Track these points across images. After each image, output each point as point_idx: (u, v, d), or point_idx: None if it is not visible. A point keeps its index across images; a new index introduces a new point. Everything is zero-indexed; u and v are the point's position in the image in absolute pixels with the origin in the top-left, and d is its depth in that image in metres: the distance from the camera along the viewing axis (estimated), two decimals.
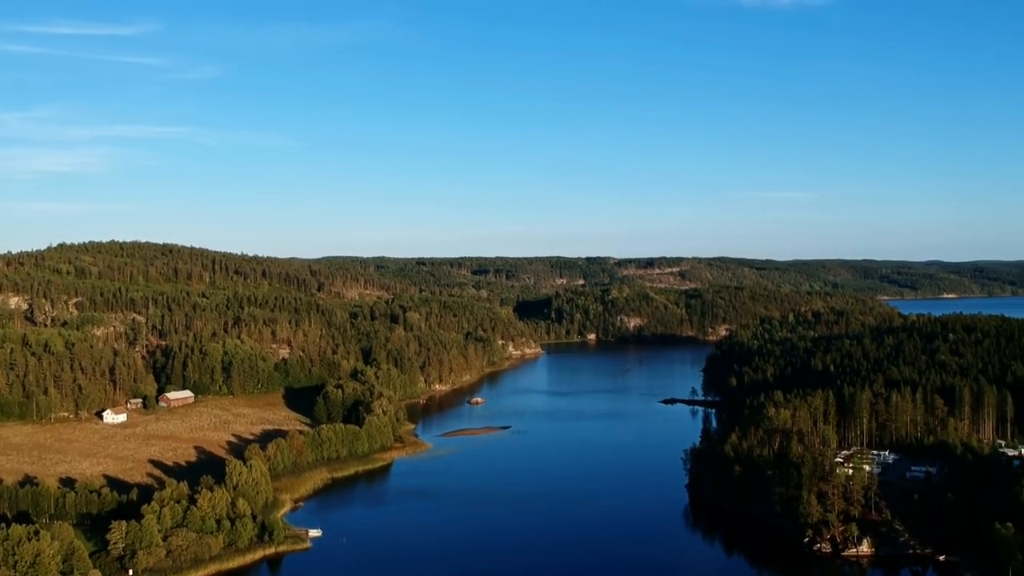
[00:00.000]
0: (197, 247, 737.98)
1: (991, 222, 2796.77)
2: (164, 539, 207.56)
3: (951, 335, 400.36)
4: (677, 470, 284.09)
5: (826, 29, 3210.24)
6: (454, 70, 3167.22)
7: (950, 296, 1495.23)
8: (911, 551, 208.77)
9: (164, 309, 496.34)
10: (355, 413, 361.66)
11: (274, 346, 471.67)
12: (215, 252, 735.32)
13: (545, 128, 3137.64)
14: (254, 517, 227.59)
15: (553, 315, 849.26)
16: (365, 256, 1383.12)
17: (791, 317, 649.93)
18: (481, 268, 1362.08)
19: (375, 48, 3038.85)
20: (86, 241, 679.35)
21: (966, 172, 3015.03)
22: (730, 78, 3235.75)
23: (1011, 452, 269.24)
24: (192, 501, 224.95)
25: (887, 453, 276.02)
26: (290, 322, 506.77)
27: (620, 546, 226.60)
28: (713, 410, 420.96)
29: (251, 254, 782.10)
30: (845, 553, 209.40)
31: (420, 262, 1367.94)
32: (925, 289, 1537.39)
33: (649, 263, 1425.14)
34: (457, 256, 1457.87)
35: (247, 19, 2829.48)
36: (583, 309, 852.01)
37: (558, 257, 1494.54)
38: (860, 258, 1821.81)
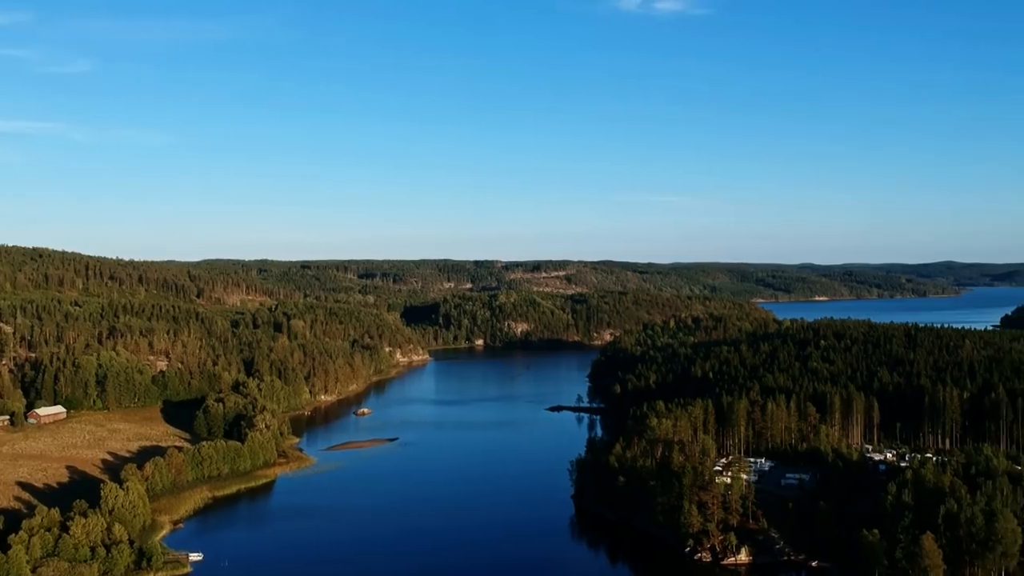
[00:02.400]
0: (69, 251, 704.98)
1: (859, 227, 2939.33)
2: (33, 570, 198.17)
3: (822, 342, 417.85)
4: (563, 480, 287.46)
5: (708, 36, 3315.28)
6: (338, 69, 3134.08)
7: (821, 299, 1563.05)
8: (786, 558, 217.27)
9: (33, 319, 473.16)
10: (237, 428, 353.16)
11: (151, 358, 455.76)
12: (88, 256, 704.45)
13: (433, 129, 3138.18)
14: (131, 543, 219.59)
15: (441, 321, 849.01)
16: (247, 259, 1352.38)
17: (672, 323, 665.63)
18: (368, 272, 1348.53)
19: (257, 45, 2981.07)
20: None
21: (835, 179, 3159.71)
22: (613, 82, 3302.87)
23: (877, 457, 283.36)
24: (64, 528, 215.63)
25: (763, 461, 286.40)
26: (168, 332, 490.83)
27: (507, 559, 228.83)
28: (598, 417, 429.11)
29: (127, 258, 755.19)
30: (724, 562, 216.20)
31: (304, 265, 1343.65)
32: (798, 292, 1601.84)
33: (536, 267, 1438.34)
34: (343, 259, 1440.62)
35: (122, 12, 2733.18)
36: (471, 315, 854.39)
37: (446, 260, 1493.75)
38: (737, 261, 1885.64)
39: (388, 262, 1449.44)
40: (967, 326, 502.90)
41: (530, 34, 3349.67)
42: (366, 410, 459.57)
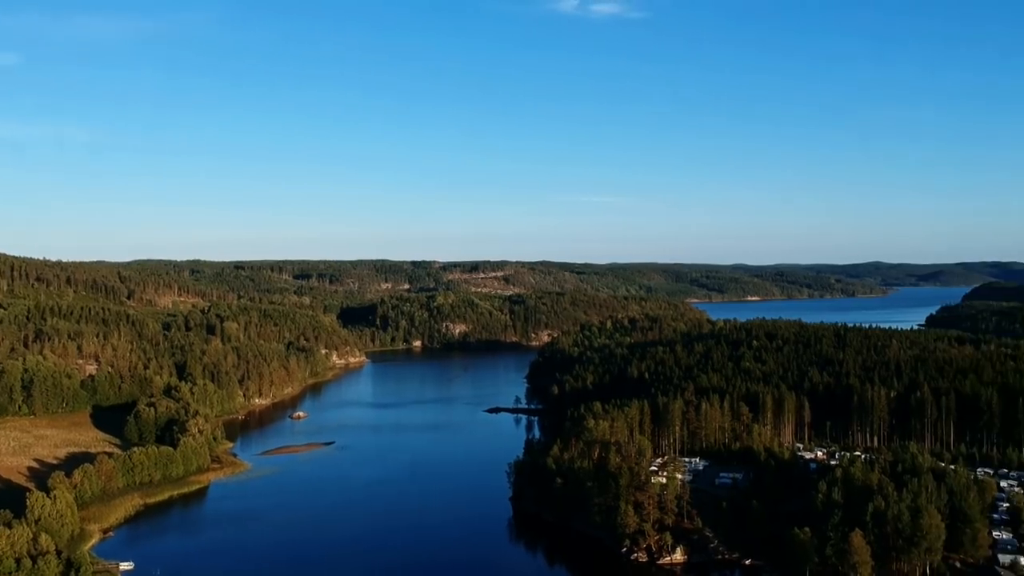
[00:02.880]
0: None
1: (791, 229, 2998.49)
2: None
3: (755, 342, 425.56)
4: (501, 482, 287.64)
5: (644, 38, 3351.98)
6: (270, 67, 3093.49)
7: (754, 299, 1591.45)
8: (720, 557, 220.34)
9: None
10: (169, 433, 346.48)
11: (80, 362, 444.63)
12: (13, 257, 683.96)
13: (368, 127, 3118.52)
14: (59, 553, 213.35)
15: (378, 322, 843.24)
16: (179, 259, 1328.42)
17: (609, 324, 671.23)
18: (303, 272, 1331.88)
19: (188, 42, 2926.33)
20: None
21: (767, 180, 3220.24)
22: (549, 83, 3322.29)
23: (808, 455, 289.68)
24: None
25: (698, 460, 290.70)
26: (98, 335, 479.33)
27: (445, 561, 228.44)
28: (536, 418, 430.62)
29: (54, 259, 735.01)
30: (660, 562, 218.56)
31: (238, 266, 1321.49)
32: (731, 292, 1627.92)
33: (474, 267, 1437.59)
34: (278, 259, 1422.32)
35: (50, 6, 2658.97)
36: (409, 316, 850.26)
37: (383, 261, 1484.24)
38: (672, 262, 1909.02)
39: (324, 262, 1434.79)
40: (894, 326, 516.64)
41: (467, 34, 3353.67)
42: (302, 414, 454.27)
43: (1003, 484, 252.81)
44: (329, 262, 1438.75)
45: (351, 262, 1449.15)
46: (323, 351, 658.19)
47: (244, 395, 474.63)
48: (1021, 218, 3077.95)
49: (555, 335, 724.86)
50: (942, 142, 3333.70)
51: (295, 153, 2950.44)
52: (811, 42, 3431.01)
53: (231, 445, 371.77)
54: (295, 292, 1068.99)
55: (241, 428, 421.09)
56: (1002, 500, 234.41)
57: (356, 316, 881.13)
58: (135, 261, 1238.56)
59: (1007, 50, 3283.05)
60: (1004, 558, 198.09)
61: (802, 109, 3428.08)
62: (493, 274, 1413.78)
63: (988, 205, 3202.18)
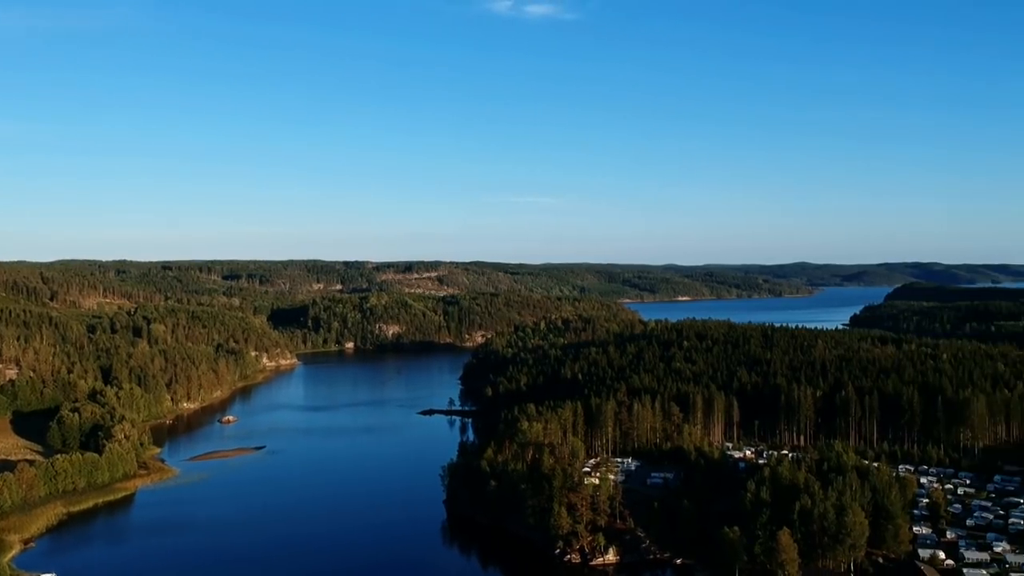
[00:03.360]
0: None
1: (719, 230, 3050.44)
2: None
3: (685, 342, 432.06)
4: (435, 485, 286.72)
5: (577, 39, 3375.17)
6: (203, 65, 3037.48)
7: (684, 299, 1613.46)
8: (652, 556, 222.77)
9: None
10: (94, 439, 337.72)
11: (0, 366, 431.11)
12: None
13: (300, 126, 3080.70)
14: None
15: (310, 323, 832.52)
16: (104, 260, 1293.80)
17: (543, 324, 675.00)
18: (233, 273, 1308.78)
19: (118, 38, 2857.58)
20: None
21: (696, 181, 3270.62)
22: (482, 83, 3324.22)
23: (737, 455, 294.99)
24: None
25: (630, 460, 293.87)
26: (18, 338, 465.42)
27: (379, 564, 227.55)
28: (470, 420, 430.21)
29: None
30: (593, 562, 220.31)
31: (166, 266, 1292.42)
32: (663, 292, 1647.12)
33: (408, 268, 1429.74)
34: (206, 260, 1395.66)
35: None
36: (341, 317, 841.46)
37: (315, 261, 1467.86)
38: (605, 262, 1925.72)
39: (254, 263, 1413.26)
40: (820, 326, 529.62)
41: (400, 33, 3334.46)
42: (231, 418, 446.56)
43: (923, 480, 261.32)
44: (259, 262, 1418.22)
45: (282, 262, 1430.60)
46: (253, 353, 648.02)
47: (172, 399, 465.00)
48: (940, 220, 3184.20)
49: (489, 336, 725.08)
50: (864, 144, 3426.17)
51: (225, 151, 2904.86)
52: (742, 40, 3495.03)
53: (158, 451, 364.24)
54: (224, 293, 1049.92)
55: (169, 433, 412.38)
56: (922, 496, 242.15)
57: (287, 317, 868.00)
58: (58, 261, 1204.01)
59: (939, 50, 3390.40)
60: (924, 552, 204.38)
61: (732, 110, 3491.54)
62: (427, 275, 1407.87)
63: (909, 207, 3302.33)
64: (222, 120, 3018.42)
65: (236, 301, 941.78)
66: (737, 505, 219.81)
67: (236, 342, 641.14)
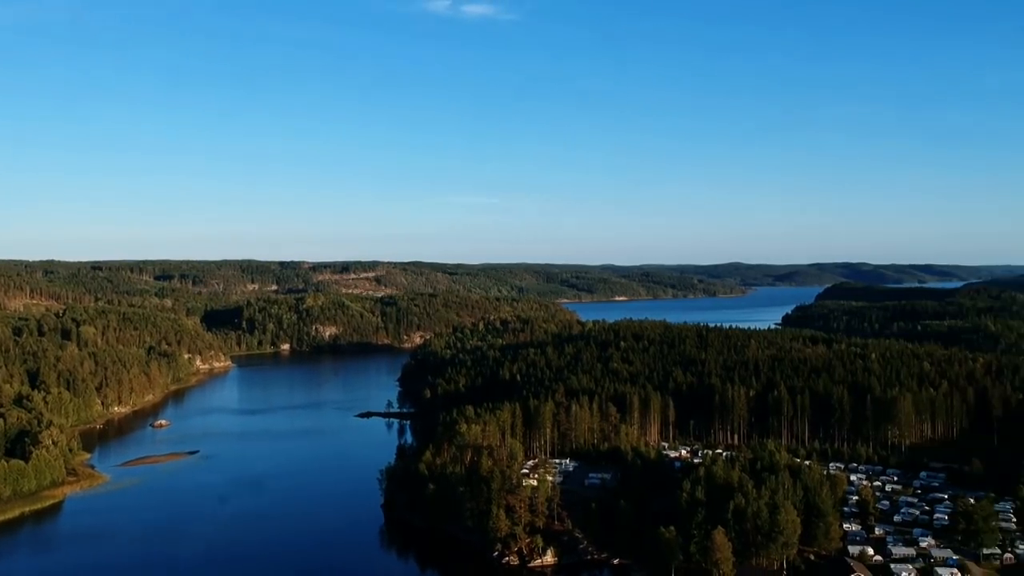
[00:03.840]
0: None
1: (656, 231, 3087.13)
2: None
3: (622, 343, 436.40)
4: (373, 489, 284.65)
5: (514, 40, 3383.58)
6: (128, 56, 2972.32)
7: (621, 299, 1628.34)
8: (590, 557, 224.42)
9: None
10: (20, 445, 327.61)
11: None
12: None
13: (235, 122, 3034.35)
14: None
15: (244, 325, 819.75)
16: (31, 259, 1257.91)
17: (481, 325, 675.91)
18: (165, 273, 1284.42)
19: (35, 30, 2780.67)
20: None
21: (631, 182, 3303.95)
22: (420, 82, 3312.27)
23: (673, 454, 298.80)
24: None
25: (568, 461, 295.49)
26: None
27: (314, 570, 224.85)
28: (409, 422, 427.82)
29: None
30: (531, 564, 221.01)
31: (95, 266, 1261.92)
32: (600, 292, 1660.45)
33: (345, 268, 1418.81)
34: (138, 259, 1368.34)
35: None
36: (276, 318, 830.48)
37: (250, 261, 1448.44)
38: (543, 262, 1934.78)
39: (187, 263, 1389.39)
40: (753, 325, 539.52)
41: (337, 29, 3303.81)
42: (164, 422, 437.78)
43: (853, 478, 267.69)
44: (192, 262, 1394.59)
45: (215, 262, 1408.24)
46: (186, 356, 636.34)
47: (102, 403, 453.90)
48: (869, 221, 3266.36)
49: (427, 337, 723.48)
50: (793, 145, 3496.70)
51: (156, 147, 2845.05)
52: (677, 38, 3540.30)
53: (88, 456, 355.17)
54: (156, 294, 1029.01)
55: (99, 438, 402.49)
56: (852, 493, 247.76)
57: (221, 319, 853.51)
58: None
59: (863, 46, 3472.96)
60: (853, 549, 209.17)
61: (667, 109, 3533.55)
62: (364, 275, 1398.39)
63: (839, 208, 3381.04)
64: (153, 115, 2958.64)
65: (169, 302, 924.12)
66: (673, 504, 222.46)
67: (169, 344, 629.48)
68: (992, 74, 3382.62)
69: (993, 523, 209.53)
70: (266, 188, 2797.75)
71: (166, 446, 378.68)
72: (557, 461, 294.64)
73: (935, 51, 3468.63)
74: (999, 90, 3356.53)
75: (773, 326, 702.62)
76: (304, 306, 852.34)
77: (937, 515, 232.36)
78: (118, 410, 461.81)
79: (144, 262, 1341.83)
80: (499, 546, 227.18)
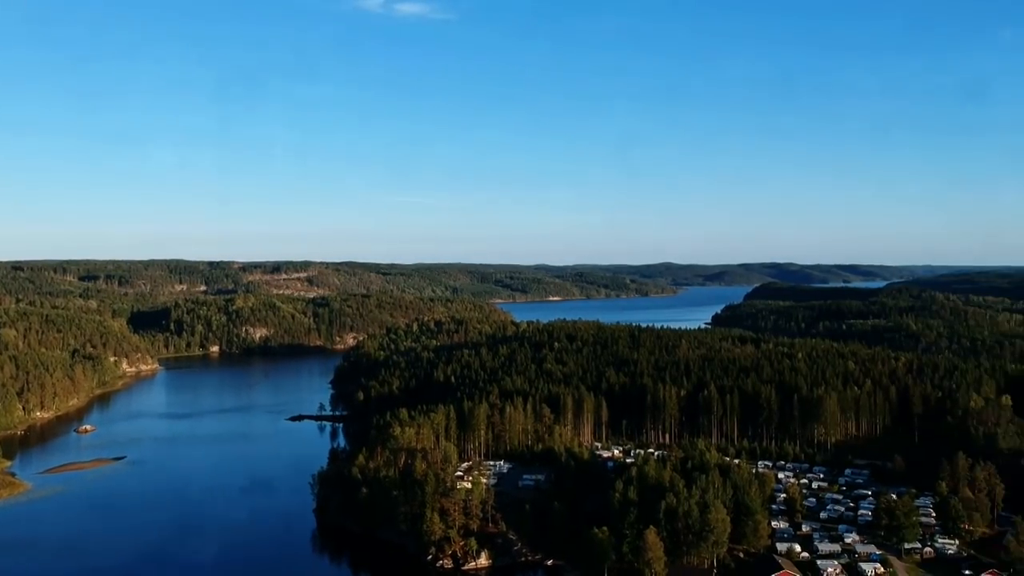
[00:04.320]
0: None
1: (589, 231, 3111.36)
2: None
3: (556, 344, 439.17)
4: (305, 494, 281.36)
5: (448, 39, 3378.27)
6: (43, 49, 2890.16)
7: (555, 299, 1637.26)
8: (524, 559, 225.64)
9: None
10: None
11: None
12: None
13: (159, 118, 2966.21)
14: None
15: (173, 327, 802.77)
16: None
17: (415, 326, 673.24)
18: (90, 274, 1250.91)
19: None
20: None
21: (565, 182, 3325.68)
22: (352, 80, 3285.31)
23: (606, 454, 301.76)
24: None
25: (502, 463, 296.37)
26: None
27: None
28: (341, 425, 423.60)
29: None
30: (465, 567, 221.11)
31: (16, 267, 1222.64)
32: (534, 292, 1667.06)
33: (276, 268, 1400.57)
34: (61, 259, 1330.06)
35: None
36: (205, 320, 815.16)
37: (178, 261, 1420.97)
38: (477, 262, 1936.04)
39: (113, 263, 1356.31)
40: (684, 325, 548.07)
41: (269, 25, 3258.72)
42: (89, 427, 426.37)
43: (780, 476, 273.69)
44: (118, 262, 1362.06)
45: (142, 262, 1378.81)
46: (112, 359, 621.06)
47: (24, 408, 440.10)
48: (795, 222, 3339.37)
49: (361, 338, 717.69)
50: (721, 147, 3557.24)
51: (77, 140, 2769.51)
52: (615, 38, 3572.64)
53: (9, 464, 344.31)
54: (81, 295, 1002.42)
55: (20, 444, 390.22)
56: (779, 491, 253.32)
57: (148, 320, 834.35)
58: None
59: (805, 48, 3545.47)
60: (781, 546, 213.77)
61: (600, 110, 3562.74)
62: (296, 275, 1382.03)
63: (767, 210, 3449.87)
64: (74, 105, 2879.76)
65: (94, 304, 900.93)
66: (606, 505, 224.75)
67: (94, 347, 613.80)
68: (917, 70, 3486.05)
69: (914, 518, 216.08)
70: (194, 187, 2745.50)
71: (91, 452, 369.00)
72: (491, 463, 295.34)
73: (851, 48, 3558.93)
74: (924, 91, 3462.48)
75: (703, 326, 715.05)
76: (234, 307, 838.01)
77: (861, 511, 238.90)
78: (40, 415, 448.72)
79: (68, 262, 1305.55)
80: (433, 549, 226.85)
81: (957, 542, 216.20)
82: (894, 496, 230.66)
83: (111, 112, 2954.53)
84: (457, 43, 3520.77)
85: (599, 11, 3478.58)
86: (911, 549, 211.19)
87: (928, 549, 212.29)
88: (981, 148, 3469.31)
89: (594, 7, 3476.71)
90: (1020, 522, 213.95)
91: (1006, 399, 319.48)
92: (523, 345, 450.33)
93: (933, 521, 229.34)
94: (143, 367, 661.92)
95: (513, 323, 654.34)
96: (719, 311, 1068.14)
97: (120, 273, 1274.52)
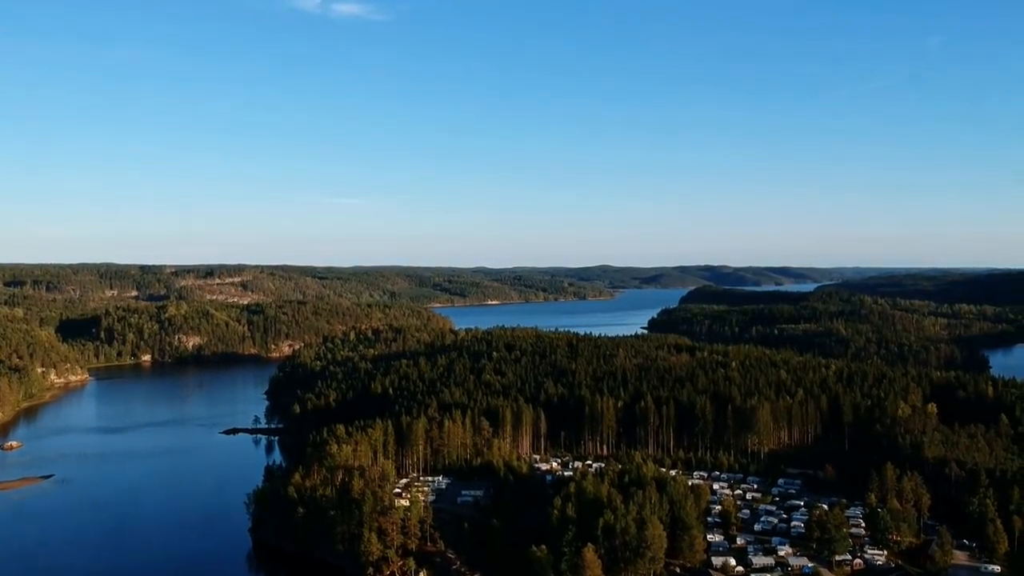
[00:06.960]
0: None
1: (527, 234, 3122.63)
2: None
3: (495, 353, 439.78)
4: (240, 512, 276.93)
5: (385, 40, 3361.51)
6: None
7: (494, 302, 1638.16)
8: None
9: None
10: None
11: None
12: None
13: (91, 117, 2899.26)
14: None
15: (103, 335, 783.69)
16: None
17: (353, 335, 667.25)
18: (15, 279, 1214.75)
19: None
20: None
21: (500, 184, 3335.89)
22: (286, 80, 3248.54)
23: (544, 467, 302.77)
24: None
25: (441, 478, 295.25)
26: None
27: None
28: (277, 438, 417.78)
29: None
30: None
31: None
32: (473, 296, 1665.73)
33: (209, 272, 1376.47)
34: None
35: None
36: (137, 328, 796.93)
37: (108, 265, 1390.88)
38: (415, 265, 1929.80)
39: (40, 267, 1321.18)
40: (621, 330, 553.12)
41: (202, 26, 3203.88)
42: (14, 443, 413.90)
43: (716, 487, 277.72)
44: (46, 267, 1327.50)
45: (71, 266, 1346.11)
46: (40, 369, 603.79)
47: None
48: (729, 224, 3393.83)
49: (297, 347, 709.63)
50: (660, 149, 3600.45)
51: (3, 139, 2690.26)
52: (553, 37, 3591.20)
53: None
54: (6, 302, 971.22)
55: None
56: (715, 503, 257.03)
57: (77, 329, 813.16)
58: None
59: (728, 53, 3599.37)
60: (717, 560, 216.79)
61: (540, 111, 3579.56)
62: (230, 280, 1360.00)
63: (701, 213, 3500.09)
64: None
65: (20, 311, 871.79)
66: (544, 521, 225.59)
67: (20, 357, 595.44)
68: (850, 77, 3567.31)
69: (844, 530, 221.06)
70: (124, 188, 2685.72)
71: (17, 470, 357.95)
72: (430, 479, 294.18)
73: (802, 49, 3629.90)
74: (849, 97, 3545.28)
75: (640, 330, 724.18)
76: (166, 315, 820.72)
77: (794, 523, 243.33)
78: None
79: None
80: (371, 570, 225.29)
81: (886, 553, 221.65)
82: (826, 508, 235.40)
83: (40, 110, 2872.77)
84: (392, 44, 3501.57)
85: (528, 14, 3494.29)
86: (842, 561, 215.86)
87: (858, 560, 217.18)
88: (908, 154, 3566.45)
89: (522, 11, 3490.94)
90: (944, 531, 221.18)
91: (932, 407, 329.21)
92: (462, 355, 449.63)
93: (863, 532, 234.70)
94: (72, 378, 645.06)
95: (452, 331, 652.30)
96: (655, 315, 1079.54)
97: (48, 278, 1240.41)
